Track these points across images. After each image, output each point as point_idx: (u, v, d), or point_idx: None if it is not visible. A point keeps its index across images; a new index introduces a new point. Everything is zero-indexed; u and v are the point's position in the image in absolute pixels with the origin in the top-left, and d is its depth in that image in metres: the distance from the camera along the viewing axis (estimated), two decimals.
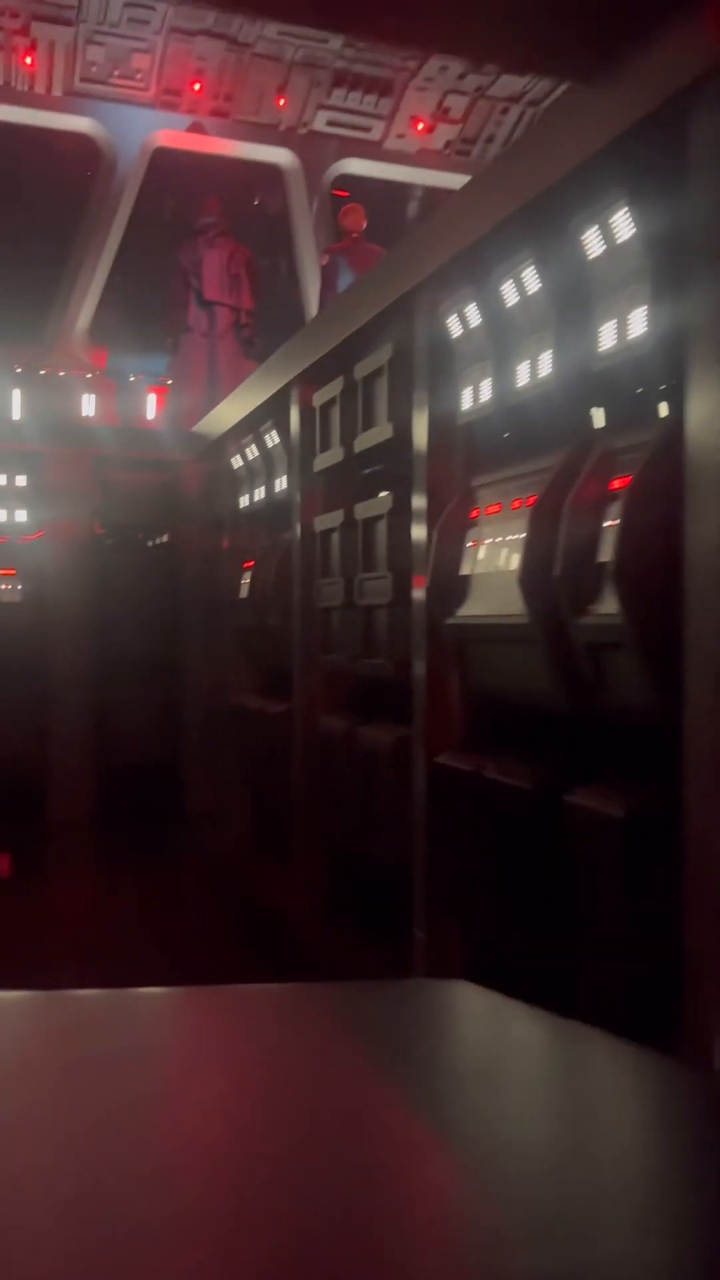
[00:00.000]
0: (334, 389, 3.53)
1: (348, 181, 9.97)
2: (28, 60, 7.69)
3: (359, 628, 3.34)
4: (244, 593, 4.84)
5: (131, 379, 9.18)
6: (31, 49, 7.64)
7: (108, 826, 5.78)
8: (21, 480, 5.77)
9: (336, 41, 8.05)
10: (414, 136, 9.59)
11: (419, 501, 2.83)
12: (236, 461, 5.06)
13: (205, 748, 5.81)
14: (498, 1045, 1.09)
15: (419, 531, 2.82)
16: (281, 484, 4.30)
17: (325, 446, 3.68)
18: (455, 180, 10.87)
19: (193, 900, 4.83)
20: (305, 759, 3.92)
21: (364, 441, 3.26)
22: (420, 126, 9.47)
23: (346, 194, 9.66)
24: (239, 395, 5.04)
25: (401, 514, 2.95)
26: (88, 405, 8.19)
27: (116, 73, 8.08)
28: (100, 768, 5.90)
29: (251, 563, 4.80)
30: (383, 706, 3.36)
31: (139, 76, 8.16)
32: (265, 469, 4.57)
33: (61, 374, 8.98)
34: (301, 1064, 0.93)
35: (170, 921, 4.37)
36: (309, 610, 3.87)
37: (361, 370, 3.25)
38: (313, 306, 10.01)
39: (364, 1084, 0.89)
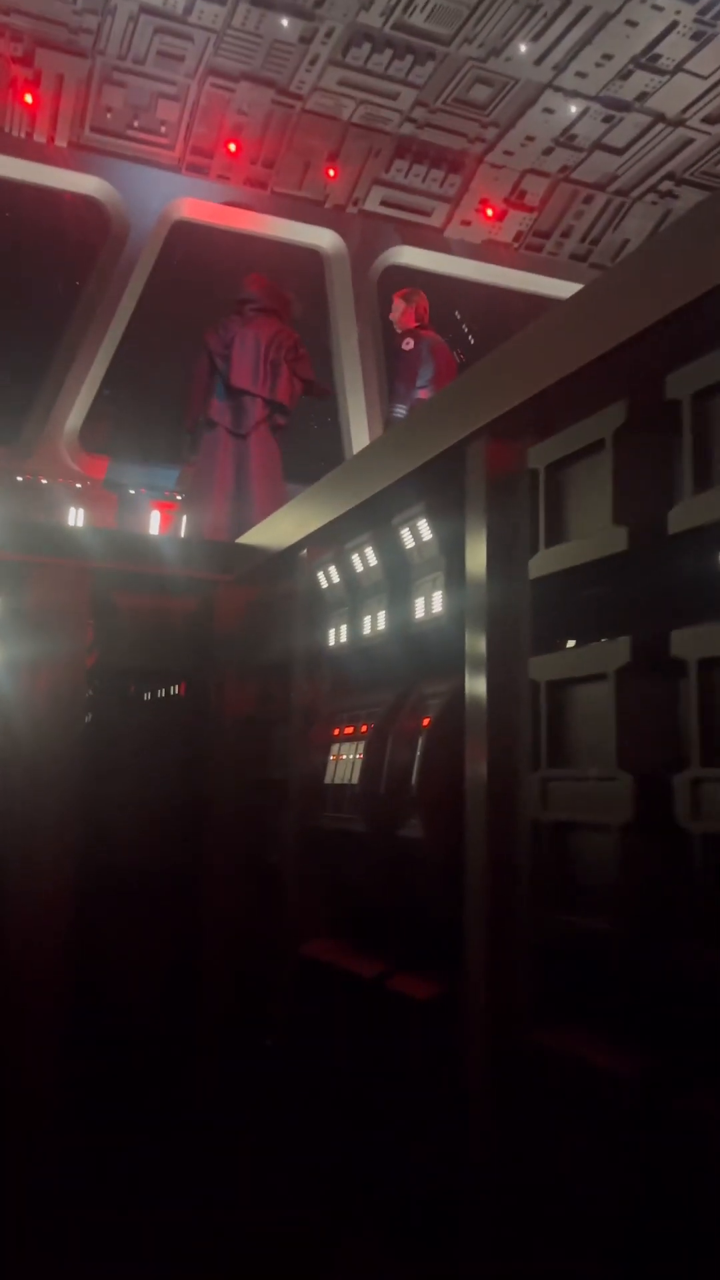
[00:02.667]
0: (591, 432, 2.13)
1: (394, 273, 9.12)
2: (28, 98, 6.76)
3: (679, 871, 1.80)
4: (334, 776, 3.31)
5: (133, 492, 7.96)
6: (34, 84, 6.72)
7: (78, 1141, 3.98)
8: None
9: (408, 98, 7.25)
10: (481, 224, 8.79)
11: None
12: (323, 579, 3.60)
13: (236, 1022, 4.11)
14: None
15: None
16: (430, 606, 2.82)
17: (558, 535, 2.25)
18: (523, 280, 10.18)
19: None
20: (505, 1099, 2.28)
21: (701, 512, 1.81)
22: (490, 212, 8.68)
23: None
24: (337, 481, 3.66)
25: None
26: (76, 521, 6.88)
27: (136, 123, 7.20)
28: (75, 1040, 4.13)
29: (351, 729, 3.28)
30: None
31: (164, 130, 7.28)
32: (389, 586, 3.11)
33: (44, 482, 7.73)
34: None
35: None
36: (511, 823, 2.33)
37: (690, 381, 1.84)
38: (353, 412, 8.95)
39: None
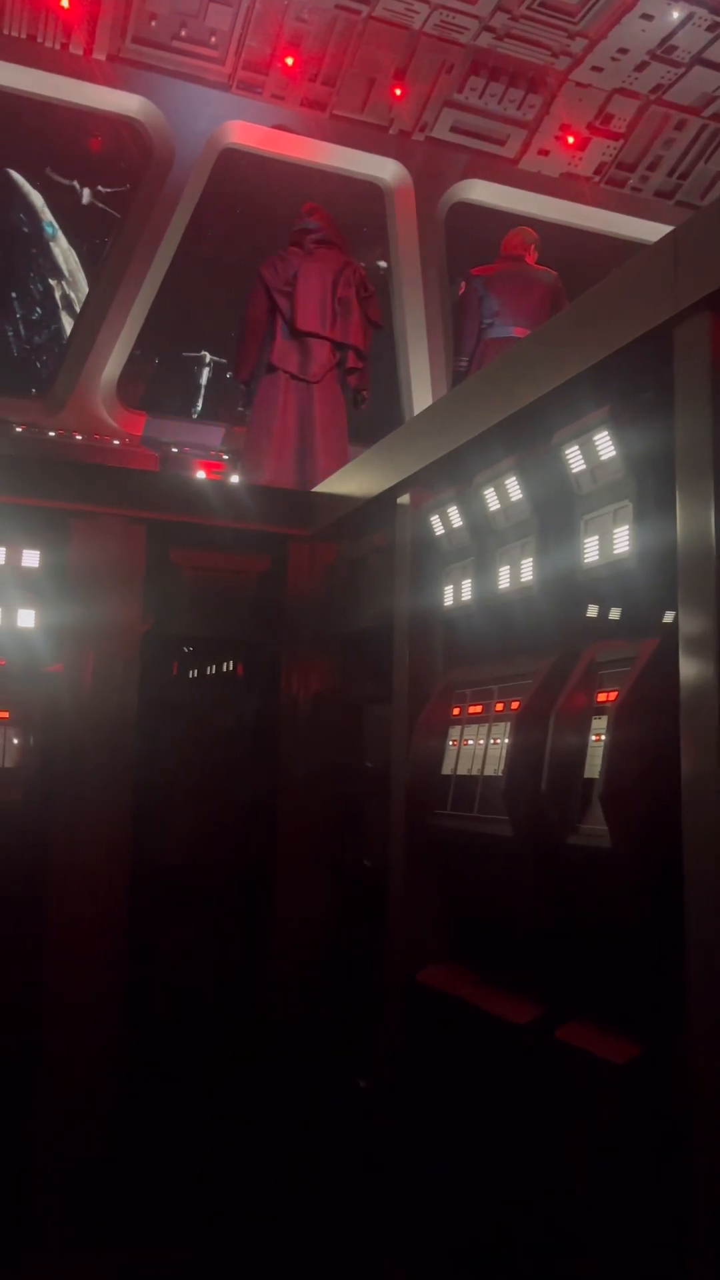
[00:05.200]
0: None
1: (462, 210, 8.49)
2: (64, 2, 6.21)
3: None
4: (455, 765, 2.79)
5: (176, 451, 7.43)
6: None
7: (126, 1179, 3.50)
8: (30, 558, 3.74)
9: (488, 2, 6.61)
10: (561, 153, 8.14)
11: None
12: (437, 525, 3.04)
13: (318, 1055, 3.58)
14: None
15: None
16: (609, 546, 2.25)
17: None
18: (602, 219, 9.52)
19: None
20: None
21: None
22: (571, 140, 8.03)
23: None
24: (458, 404, 3.10)
25: None
26: None
27: (184, 33, 6.62)
28: (127, 1063, 3.63)
29: (481, 707, 2.75)
30: None
31: (214, 41, 6.70)
32: (540, 526, 2.54)
33: (79, 438, 7.21)
34: None
35: None
36: None
37: None
38: (415, 366, 8.35)
39: None
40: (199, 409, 8.80)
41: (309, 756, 3.92)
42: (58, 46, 6.60)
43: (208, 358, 8.53)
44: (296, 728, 3.98)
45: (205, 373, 8.64)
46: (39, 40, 6.54)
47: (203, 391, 8.69)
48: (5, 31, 6.47)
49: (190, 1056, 3.69)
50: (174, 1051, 3.67)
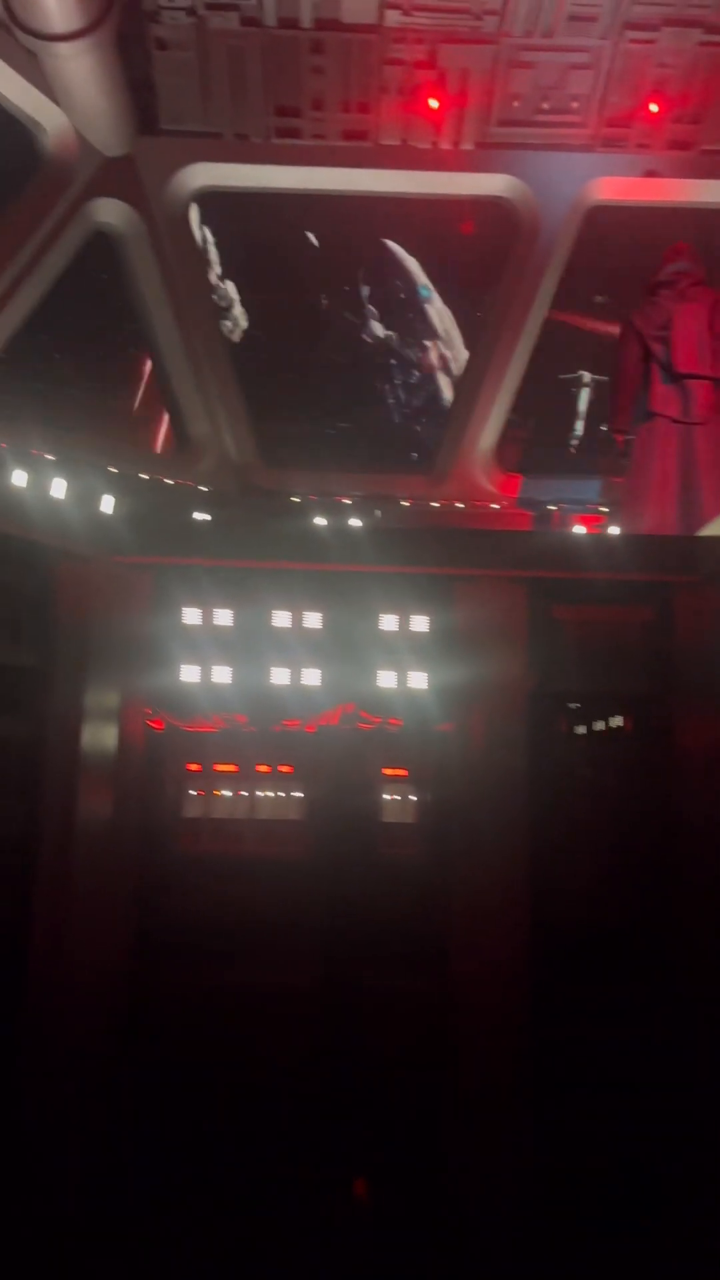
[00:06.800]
0: None
1: None
2: (432, 103, 6.63)
3: None
4: None
5: (552, 508, 7.50)
6: (439, 86, 6.57)
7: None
8: (420, 623, 3.94)
9: None
10: None
11: None
12: None
13: None
14: None
15: None
16: None
17: None
18: None
19: None
20: None
21: None
22: None
23: None
24: None
25: None
26: None
27: (546, 105, 6.79)
28: (532, 1146, 3.60)
29: None
30: None
31: (575, 107, 6.80)
32: None
33: (460, 506, 7.52)
34: None
35: None
36: None
37: None
38: None
39: None
40: (578, 435, 8.79)
41: (708, 814, 3.73)
42: (428, 146, 7.05)
43: (586, 377, 8.51)
44: (692, 784, 3.80)
45: (585, 395, 8.62)
46: (410, 144, 7.04)
47: (582, 417, 8.67)
48: (380, 142, 7.04)
49: (600, 1123, 3.59)
50: (583, 1116, 3.59)
